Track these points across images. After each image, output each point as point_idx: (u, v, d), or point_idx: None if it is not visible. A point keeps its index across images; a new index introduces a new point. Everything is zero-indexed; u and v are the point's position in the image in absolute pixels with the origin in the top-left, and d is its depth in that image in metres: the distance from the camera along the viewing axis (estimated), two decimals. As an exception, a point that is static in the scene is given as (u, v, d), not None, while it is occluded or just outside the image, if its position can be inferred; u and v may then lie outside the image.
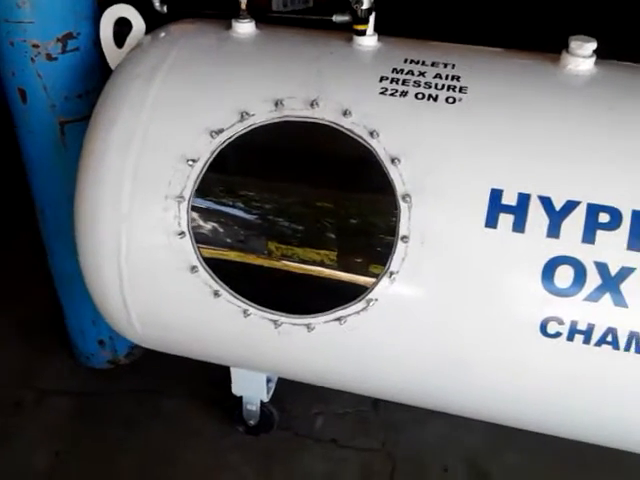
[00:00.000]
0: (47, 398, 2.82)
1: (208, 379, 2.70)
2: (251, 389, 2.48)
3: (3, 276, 3.40)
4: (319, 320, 1.87)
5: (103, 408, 2.78)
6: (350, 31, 1.99)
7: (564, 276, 1.66)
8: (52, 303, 2.90)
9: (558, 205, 1.67)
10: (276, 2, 5.08)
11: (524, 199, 1.68)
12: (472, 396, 1.92)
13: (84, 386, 2.86)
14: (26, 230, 2.88)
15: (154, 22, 2.22)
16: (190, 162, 1.87)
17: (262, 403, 2.55)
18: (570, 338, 1.69)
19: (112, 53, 2.21)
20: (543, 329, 1.70)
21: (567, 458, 2.50)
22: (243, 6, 2.06)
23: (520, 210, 1.68)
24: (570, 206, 1.67)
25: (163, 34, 2.13)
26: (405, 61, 1.90)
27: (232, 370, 2.40)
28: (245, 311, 1.92)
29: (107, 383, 2.87)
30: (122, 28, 2.20)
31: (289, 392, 2.64)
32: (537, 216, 1.67)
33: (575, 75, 1.87)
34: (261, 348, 2.03)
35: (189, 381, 2.80)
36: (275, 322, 1.91)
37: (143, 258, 1.96)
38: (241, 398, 2.54)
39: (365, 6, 1.89)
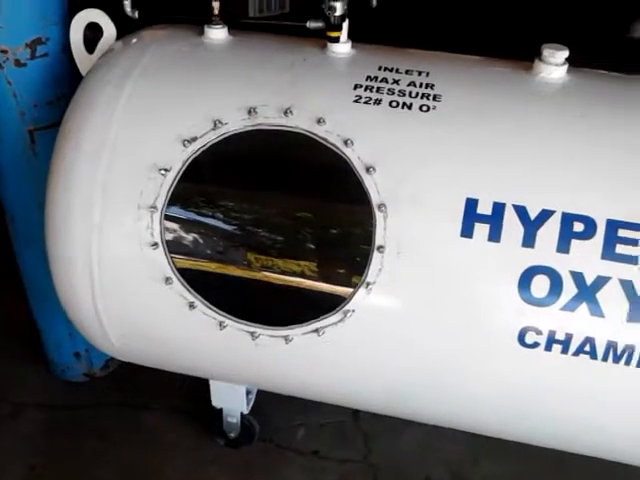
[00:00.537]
0: (22, 411, 2.78)
1: (187, 391, 2.68)
2: (231, 401, 2.45)
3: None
4: (297, 332, 1.85)
5: (79, 421, 2.74)
6: (324, 38, 1.96)
7: (540, 286, 1.66)
8: (27, 314, 2.84)
9: (533, 214, 1.66)
10: (252, 8, 5.05)
11: (499, 208, 1.67)
12: (451, 407, 1.91)
13: (60, 399, 2.82)
14: (1, 239, 2.82)
15: (125, 27, 2.18)
16: (162, 171, 1.83)
17: (242, 415, 2.52)
18: (548, 348, 1.68)
19: (83, 59, 2.17)
20: (521, 339, 1.69)
21: (549, 466, 2.50)
22: (216, 12, 2.03)
23: (495, 219, 1.67)
24: (545, 215, 1.66)
25: (134, 40, 2.10)
26: (379, 69, 1.88)
27: (211, 382, 2.38)
28: (221, 323, 1.89)
29: (82, 396, 2.82)
30: (93, 33, 2.16)
31: (270, 403, 2.62)
32: (512, 225, 1.67)
33: (547, 83, 1.87)
34: (238, 360, 2.00)
35: (167, 393, 2.77)
36: (252, 334, 1.88)
37: (115, 269, 1.93)
38: (221, 410, 2.51)
39: (338, 13, 1.87)
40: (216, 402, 2.46)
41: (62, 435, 2.69)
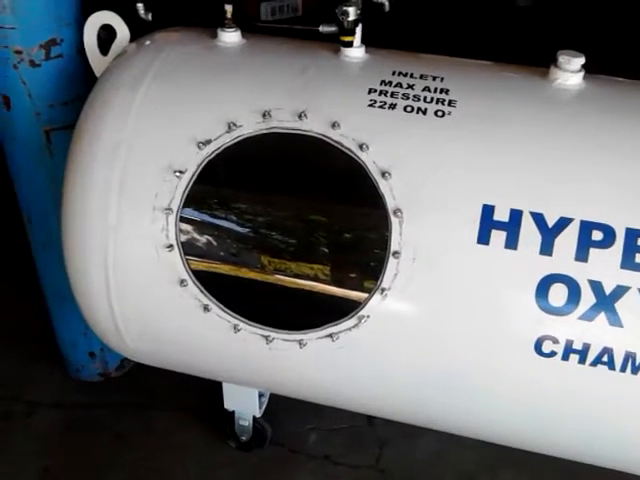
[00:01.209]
0: (37, 411, 2.79)
1: (200, 393, 2.67)
2: (243, 404, 2.44)
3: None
4: (311, 336, 1.84)
5: (93, 421, 2.74)
6: (338, 42, 1.95)
7: (558, 294, 1.63)
8: (42, 314, 2.85)
9: (551, 222, 1.64)
10: (265, 11, 5.03)
11: (516, 215, 1.65)
12: (465, 414, 1.89)
13: (74, 399, 2.83)
14: (16, 240, 2.83)
15: (139, 30, 2.17)
16: (177, 173, 1.83)
17: (254, 418, 2.51)
18: (565, 357, 1.66)
19: (97, 60, 2.17)
20: (538, 348, 1.67)
21: (564, 477, 2.46)
22: (229, 15, 2.02)
23: (512, 226, 1.65)
24: (563, 223, 1.64)
25: (148, 42, 2.09)
26: (393, 73, 1.86)
27: (224, 384, 2.37)
28: (235, 326, 1.89)
29: (98, 396, 2.83)
30: (107, 35, 2.16)
31: (282, 407, 2.60)
32: (530, 233, 1.64)
33: (564, 89, 1.84)
34: (252, 364, 2.00)
35: (181, 395, 2.76)
36: (266, 338, 1.88)
37: (131, 271, 1.93)
38: (233, 413, 2.51)
39: (351, 17, 1.85)
40: (228, 405, 2.45)
41: (76, 435, 2.69)
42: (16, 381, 2.90)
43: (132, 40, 2.14)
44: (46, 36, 2.16)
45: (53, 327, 2.83)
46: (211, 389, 2.41)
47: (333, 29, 1.93)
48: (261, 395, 2.46)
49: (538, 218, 1.64)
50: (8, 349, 3.04)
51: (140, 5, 2.15)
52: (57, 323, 2.81)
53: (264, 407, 2.51)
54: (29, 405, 2.80)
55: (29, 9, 2.11)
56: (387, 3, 1.99)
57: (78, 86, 2.27)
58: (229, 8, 2.01)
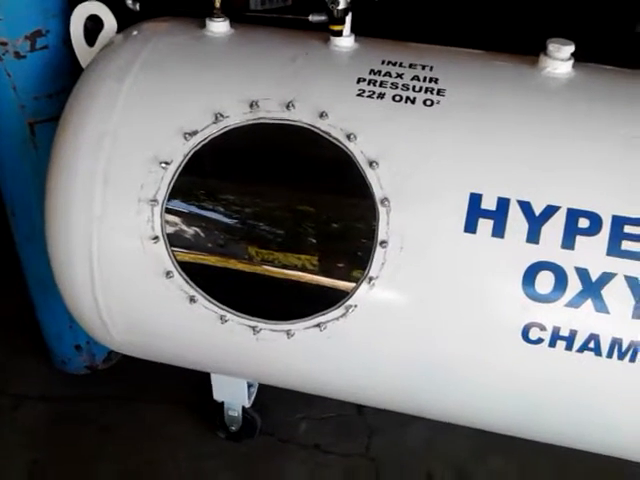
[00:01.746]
0: (23, 404, 2.78)
1: (188, 384, 2.66)
2: (232, 394, 2.44)
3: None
4: (299, 326, 1.84)
5: (81, 414, 2.73)
6: (327, 31, 1.94)
7: (545, 282, 1.65)
8: (28, 306, 2.83)
9: (538, 210, 1.65)
10: (254, 0, 5.01)
11: (503, 204, 1.66)
12: (454, 402, 1.91)
13: (61, 391, 2.82)
14: (1, 231, 2.81)
15: (126, 20, 2.16)
16: (163, 164, 1.82)
17: (244, 408, 2.51)
18: (552, 344, 1.67)
19: (83, 52, 2.15)
20: (525, 335, 1.68)
21: (555, 462, 2.49)
22: (217, 4, 2.01)
23: (499, 215, 1.66)
24: (550, 211, 1.64)
25: (135, 32, 2.08)
26: (382, 62, 1.87)
27: (212, 375, 2.37)
28: (222, 317, 1.88)
29: (85, 388, 2.82)
30: (94, 25, 2.14)
31: (272, 396, 2.60)
32: (517, 221, 1.65)
33: (553, 78, 1.85)
34: (240, 355, 2.00)
35: (169, 386, 2.76)
36: (254, 328, 1.88)
37: (116, 263, 1.92)
38: (222, 404, 2.51)
39: (341, 6, 1.85)
40: (217, 395, 2.45)
41: (64, 428, 2.68)
42: (2, 374, 2.89)
43: (119, 31, 2.12)
44: (32, 27, 2.14)
45: (38, 320, 2.81)
46: (200, 380, 2.40)
47: (323, 18, 1.93)
48: (250, 385, 2.46)
49: (525, 206, 1.65)
50: (-8, 342, 3.02)
51: (128, -5, 2.13)
52: (42, 316, 2.79)
53: (253, 397, 2.51)
54: (15, 398, 2.79)
55: (15, 0, 2.08)
56: None
57: (63, 78, 2.25)
58: (218, -3, 2.00)
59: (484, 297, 1.71)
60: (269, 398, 2.63)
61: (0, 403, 2.77)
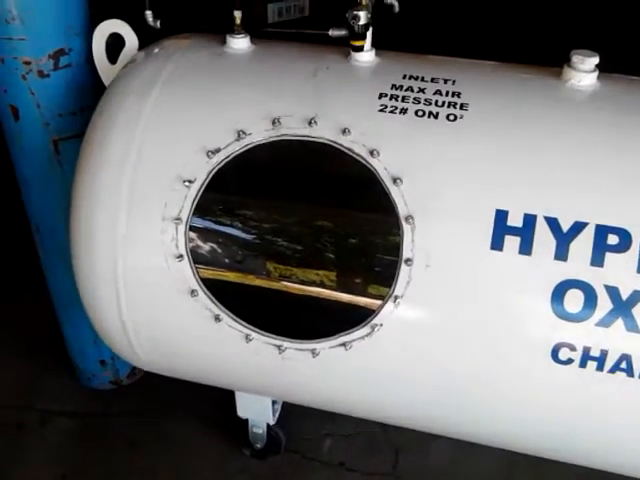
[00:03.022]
0: (50, 420, 2.79)
1: (213, 400, 2.65)
2: (257, 412, 2.43)
3: (4, 295, 3.38)
4: (324, 345, 1.82)
5: (107, 429, 2.74)
6: (348, 46, 1.93)
7: (574, 300, 1.61)
8: (53, 322, 2.85)
9: (565, 226, 1.62)
10: (272, 12, 5.03)
11: (530, 220, 1.63)
12: (481, 423, 1.88)
13: (87, 407, 2.83)
14: (26, 251, 2.84)
15: (147, 37, 2.17)
16: (186, 183, 1.82)
17: (268, 426, 2.50)
18: (583, 365, 1.64)
19: (105, 69, 2.17)
20: (555, 355, 1.65)
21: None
22: (238, 21, 2.02)
23: (526, 232, 1.63)
24: (578, 227, 1.61)
25: (157, 50, 2.09)
26: (404, 77, 1.85)
27: (237, 393, 2.36)
28: (247, 336, 1.88)
29: (110, 404, 2.83)
30: (115, 43, 2.16)
31: (296, 413, 2.58)
32: (544, 238, 1.62)
33: (577, 90, 1.82)
34: (265, 374, 1.98)
35: (193, 402, 2.75)
36: (279, 347, 1.87)
37: (141, 281, 1.92)
38: (247, 421, 2.50)
39: (362, 22, 1.83)
40: (242, 413, 2.44)
41: (91, 443, 2.69)
42: (28, 390, 2.91)
43: (141, 48, 2.14)
44: (55, 46, 2.17)
45: (63, 335, 2.83)
46: (224, 396, 2.39)
47: (343, 33, 1.91)
48: (274, 402, 2.44)
49: (552, 223, 1.62)
50: (20, 358, 3.05)
51: (149, 13, 2.14)
52: (67, 332, 2.81)
53: (277, 414, 2.49)
54: (42, 414, 2.81)
55: (38, 20, 2.10)
56: (396, 4, 1.97)
57: (87, 95, 2.27)
58: (238, 14, 2.00)
59: (512, 316, 1.68)
60: (294, 415, 2.61)
61: (27, 419, 2.78)
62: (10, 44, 2.12)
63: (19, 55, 2.14)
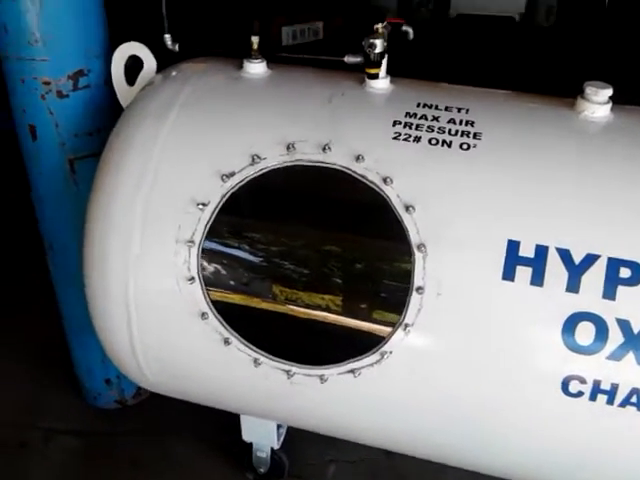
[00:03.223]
0: (54, 438, 2.78)
1: (217, 422, 2.63)
2: (261, 435, 2.41)
3: (11, 312, 3.40)
4: (332, 371, 1.82)
5: (111, 449, 2.73)
6: (362, 71, 1.95)
7: (585, 333, 1.61)
8: (61, 339, 2.86)
9: (577, 258, 1.62)
10: (286, 35, 5.10)
11: (542, 251, 1.63)
12: (488, 453, 1.86)
13: (91, 426, 2.82)
14: (36, 266, 2.85)
15: (165, 60, 2.20)
16: (200, 206, 1.83)
17: (272, 450, 2.48)
18: (593, 398, 1.63)
19: (123, 91, 2.20)
20: (565, 388, 1.64)
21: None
22: (255, 46, 2.05)
23: (538, 263, 1.63)
24: (590, 260, 1.61)
25: (174, 73, 2.12)
26: (418, 105, 1.86)
27: (242, 416, 2.34)
28: (256, 360, 1.88)
29: (114, 423, 2.82)
30: (133, 65, 2.19)
31: (301, 438, 2.55)
32: (556, 269, 1.62)
33: (591, 122, 1.82)
34: (273, 398, 1.98)
35: (197, 423, 2.74)
36: (287, 372, 1.87)
37: (152, 303, 1.93)
38: (251, 444, 2.48)
39: (378, 50, 1.86)
40: (246, 436, 2.42)
41: (95, 462, 2.67)
42: (32, 408, 2.90)
43: (159, 71, 2.17)
44: (74, 67, 2.20)
45: (71, 354, 2.84)
46: (229, 418, 2.37)
47: (358, 60, 1.94)
48: (279, 427, 2.42)
49: (564, 254, 1.62)
50: (25, 374, 3.05)
51: (167, 36, 2.18)
52: (74, 350, 2.82)
53: (282, 439, 2.48)
54: (47, 432, 2.80)
55: (60, 42, 2.15)
56: (411, 31, 2.00)
57: (104, 116, 2.30)
58: (256, 40, 2.03)
59: (523, 347, 1.67)
60: (298, 439, 2.58)
61: (32, 437, 2.77)
62: (31, 65, 2.16)
63: (39, 75, 2.18)
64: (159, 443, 2.73)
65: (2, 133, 2.50)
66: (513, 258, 1.64)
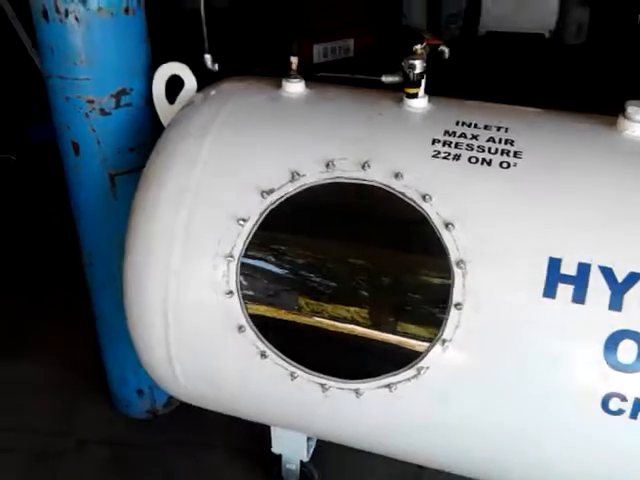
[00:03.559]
0: (87, 447, 2.81)
1: (247, 433, 2.66)
2: (291, 448, 2.42)
3: (46, 321, 3.46)
4: (368, 386, 1.83)
5: (143, 459, 2.75)
6: (399, 90, 1.98)
7: (627, 351, 1.60)
8: (93, 349, 2.91)
9: (620, 277, 1.61)
10: (317, 53, 5.15)
11: (584, 269, 1.63)
12: (528, 472, 1.85)
13: (124, 436, 2.85)
14: (71, 276, 2.90)
15: (205, 79, 2.25)
16: (241, 221, 1.86)
17: (302, 463, 2.49)
18: (634, 416, 1.62)
19: (164, 109, 2.25)
20: (605, 405, 1.64)
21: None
22: (294, 66, 2.09)
23: (580, 281, 1.63)
24: (633, 278, 1.61)
25: (214, 92, 2.16)
26: (457, 123, 1.88)
27: (272, 427, 2.36)
28: (292, 374, 1.89)
29: (147, 433, 2.85)
30: (174, 84, 2.24)
31: (331, 451, 2.54)
32: (598, 287, 1.62)
33: (633, 141, 1.82)
34: (307, 412, 1.99)
35: (227, 433, 2.76)
36: (323, 386, 1.88)
37: (190, 315, 1.95)
38: (280, 456, 2.49)
39: (418, 70, 1.88)
40: (276, 448, 2.43)
41: (126, 473, 2.70)
42: (66, 417, 2.94)
43: (199, 90, 2.22)
44: (117, 86, 2.26)
45: (104, 363, 2.88)
46: (258, 429, 2.37)
47: (396, 79, 1.97)
48: (309, 439, 2.43)
49: (607, 272, 1.62)
50: (58, 383, 3.09)
51: (208, 56, 2.23)
52: (108, 359, 2.86)
53: (312, 451, 2.48)
54: (79, 442, 2.83)
55: (104, 61, 2.21)
56: (447, 50, 2.02)
57: (144, 133, 2.36)
58: (295, 60, 2.07)
59: (562, 364, 1.67)
60: (328, 453, 2.58)
61: (64, 446, 2.81)
62: (76, 84, 2.23)
63: (83, 94, 2.24)
64: (190, 453, 2.75)
65: (44, 145, 2.55)
66: (554, 276, 1.64)
